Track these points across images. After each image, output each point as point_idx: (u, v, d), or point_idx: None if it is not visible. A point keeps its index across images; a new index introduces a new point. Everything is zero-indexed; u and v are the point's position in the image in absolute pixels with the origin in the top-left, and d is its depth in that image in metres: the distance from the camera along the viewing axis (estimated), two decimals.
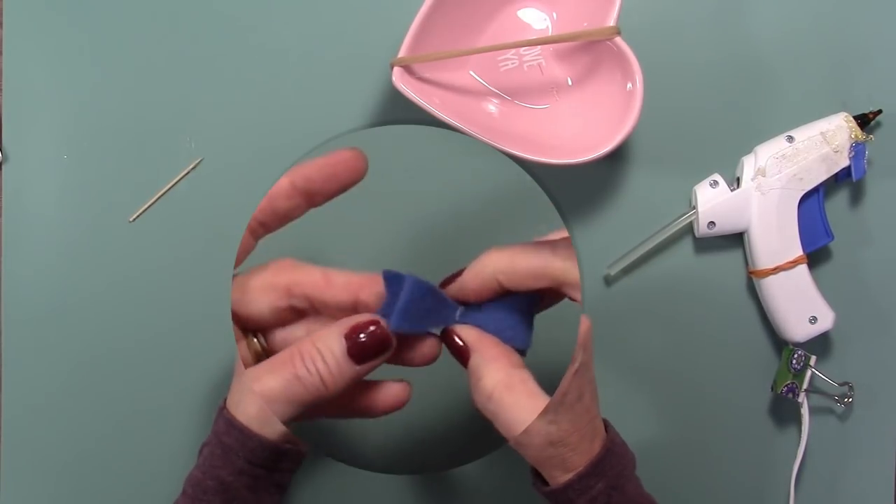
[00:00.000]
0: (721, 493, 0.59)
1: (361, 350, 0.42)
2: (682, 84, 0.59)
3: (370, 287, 0.44)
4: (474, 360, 0.44)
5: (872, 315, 0.59)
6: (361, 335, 0.42)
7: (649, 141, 0.59)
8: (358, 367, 0.42)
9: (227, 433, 0.46)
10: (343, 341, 0.42)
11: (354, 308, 0.44)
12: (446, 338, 0.45)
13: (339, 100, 0.59)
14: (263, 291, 0.44)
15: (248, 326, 0.45)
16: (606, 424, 0.50)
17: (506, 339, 0.48)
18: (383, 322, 0.43)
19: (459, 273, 0.45)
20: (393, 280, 0.45)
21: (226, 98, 0.59)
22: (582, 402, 0.47)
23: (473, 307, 0.46)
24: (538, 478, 0.49)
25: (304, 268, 0.45)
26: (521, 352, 0.46)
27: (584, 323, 0.47)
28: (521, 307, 0.47)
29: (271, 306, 0.44)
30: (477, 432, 0.54)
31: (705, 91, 0.59)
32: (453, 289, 0.45)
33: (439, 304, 0.46)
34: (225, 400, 0.48)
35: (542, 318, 0.48)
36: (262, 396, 0.41)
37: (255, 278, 0.45)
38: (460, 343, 0.45)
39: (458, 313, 0.47)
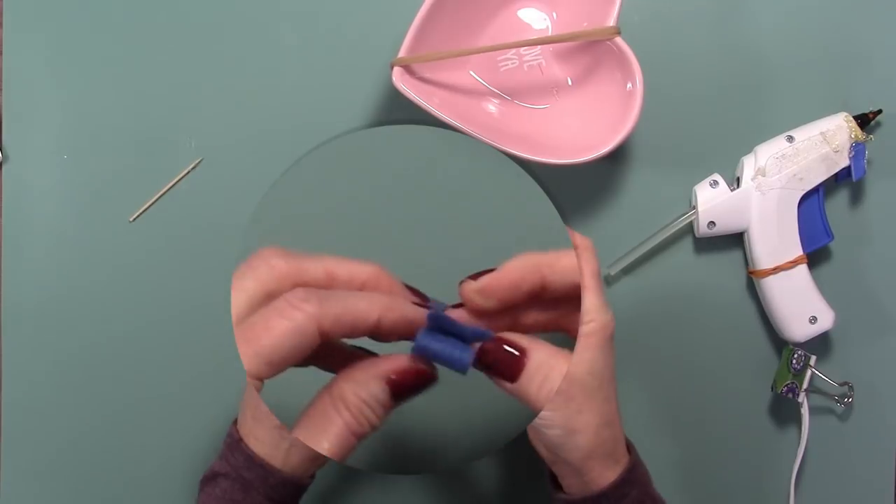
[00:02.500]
0: (721, 493, 0.59)
1: (405, 391, 0.42)
2: (682, 84, 0.59)
3: (375, 278, 0.42)
4: (538, 356, 0.42)
5: (872, 315, 0.59)
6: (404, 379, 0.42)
7: (649, 141, 0.59)
8: (400, 402, 0.42)
9: (247, 468, 0.45)
10: (386, 388, 0.41)
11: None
12: (491, 354, 0.43)
13: (339, 100, 0.59)
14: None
15: None
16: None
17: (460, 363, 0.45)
18: (424, 364, 0.42)
19: (488, 271, 0.43)
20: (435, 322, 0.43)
21: (226, 98, 0.59)
22: (602, 389, 0.45)
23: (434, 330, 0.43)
24: (557, 487, 0.48)
25: (302, 266, 0.43)
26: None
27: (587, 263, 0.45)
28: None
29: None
30: (477, 432, 0.54)
31: (705, 91, 0.59)
32: (474, 289, 0.43)
33: (450, 346, 0.43)
34: (235, 424, 0.47)
35: None
36: (320, 455, 0.40)
37: (255, 289, 0.42)
38: (514, 351, 0.43)
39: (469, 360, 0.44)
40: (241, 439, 0.46)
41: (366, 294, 0.42)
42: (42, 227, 0.59)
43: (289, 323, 0.38)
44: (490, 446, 0.54)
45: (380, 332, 0.41)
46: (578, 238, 0.47)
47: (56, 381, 0.59)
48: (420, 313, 0.42)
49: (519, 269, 0.43)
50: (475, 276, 0.44)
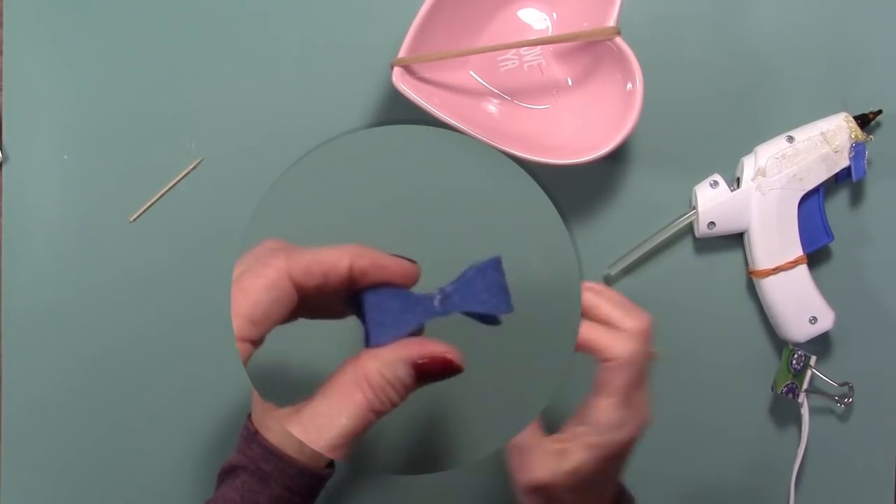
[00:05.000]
0: (721, 493, 0.59)
1: (430, 377, 0.42)
2: (683, 84, 0.59)
3: (340, 259, 0.42)
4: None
5: (872, 315, 0.59)
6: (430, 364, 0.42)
7: (649, 141, 0.59)
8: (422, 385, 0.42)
9: (264, 460, 0.45)
10: (412, 372, 0.41)
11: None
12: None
13: (339, 100, 0.59)
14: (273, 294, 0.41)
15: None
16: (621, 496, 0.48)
17: (491, 308, 0.48)
18: (454, 354, 0.42)
19: None
20: (352, 303, 0.44)
21: (226, 98, 0.59)
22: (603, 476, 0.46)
23: (448, 288, 0.46)
24: None
25: (293, 257, 0.42)
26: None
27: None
28: (491, 272, 0.47)
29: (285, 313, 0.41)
30: (477, 432, 0.54)
31: (705, 91, 0.59)
32: None
33: (408, 301, 0.45)
34: (250, 417, 0.48)
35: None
36: (336, 438, 0.40)
37: (258, 280, 0.41)
38: None
39: (436, 301, 0.46)
40: (256, 431, 0.46)
41: (336, 245, 0.42)
42: (42, 227, 0.59)
43: (262, 280, 0.39)
44: (490, 446, 0.54)
45: (355, 280, 0.41)
46: (638, 320, 0.47)
47: (56, 381, 0.59)
48: (394, 261, 0.42)
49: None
50: None
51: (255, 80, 0.59)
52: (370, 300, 0.44)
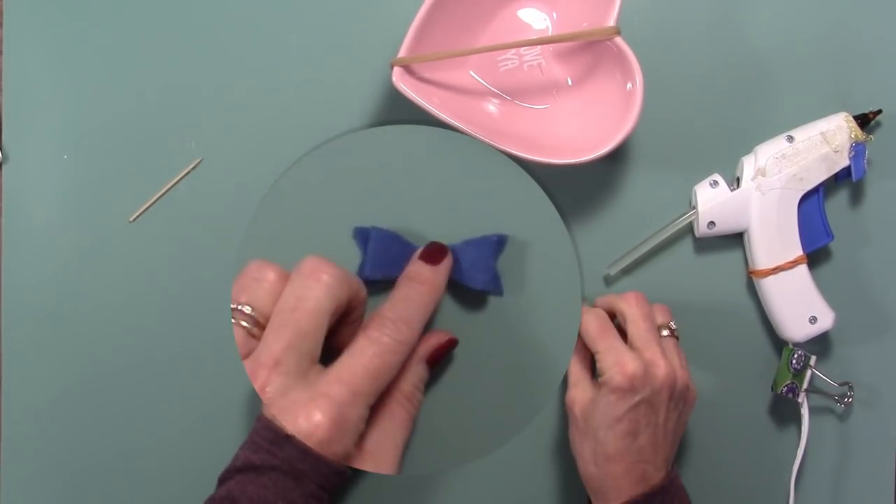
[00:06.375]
0: (721, 493, 0.59)
1: (438, 362, 0.52)
2: (682, 84, 0.59)
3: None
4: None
5: (872, 315, 0.59)
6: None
7: (649, 141, 0.59)
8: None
9: (301, 460, 0.47)
10: (426, 366, 0.50)
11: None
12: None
13: (339, 100, 0.59)
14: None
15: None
16: (670, 482, 0.51)
17: (476, 283, 0.52)
18: (448, 334, 0.52)
19: None
20: (361, 235, 0.52)
21: (226, 98, 0.59)
22: (635, 440, 0.49)
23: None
24: None
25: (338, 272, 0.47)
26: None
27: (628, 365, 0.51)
28: (486, 249, 0.53)
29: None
30: (477, 432, 0.54)
31: (705, 91, 0.59)
32: None
33: (405, 250, 0.51)
34: (266, 418, 0.48)
35: None
36: (398, 457, 0.47)
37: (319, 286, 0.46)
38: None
39: None
40: (287, 435, 0.47)
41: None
42: (42, 227, 0.59)
43: (322, 287, 0.45)
44: (490, 446, 0.54)
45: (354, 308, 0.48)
46: (627, 299, 0.54)
47: (56, 381, 0.59)
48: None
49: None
50: None
51: (254, 79, 0.59)
52: (376, 236, 0.51)
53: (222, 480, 0.49)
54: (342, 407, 0.43)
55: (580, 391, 0.52)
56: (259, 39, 0.59)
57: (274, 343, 0.44)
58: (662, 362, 0.50)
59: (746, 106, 0.59)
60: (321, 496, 0.48)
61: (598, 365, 0.51)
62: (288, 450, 0.47)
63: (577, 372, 0.54)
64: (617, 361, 0.50)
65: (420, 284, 0.48)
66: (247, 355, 0.45)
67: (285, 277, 0.46)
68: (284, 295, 0.45)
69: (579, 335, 0.54)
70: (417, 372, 0.49)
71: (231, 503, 0.47)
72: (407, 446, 0.49)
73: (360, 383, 0.44)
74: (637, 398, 0.49)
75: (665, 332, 0.54)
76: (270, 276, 0.46)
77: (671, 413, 0.51)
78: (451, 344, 0.52)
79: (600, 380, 0.51)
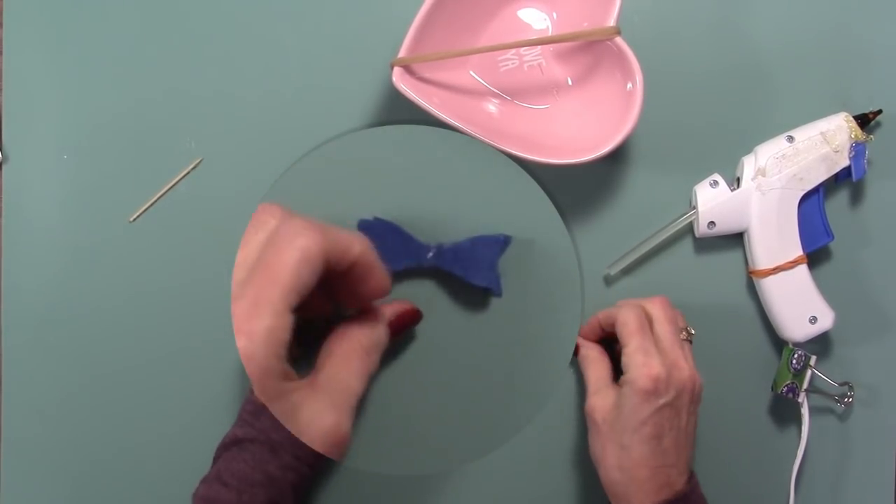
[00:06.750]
0: (721, 493, 0.59)
1: (401, 330, 0.51)
2: (682, 84, 0.59)
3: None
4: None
5: (872, 315, 0.59)
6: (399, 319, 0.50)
7: (649, 141, 0.59)
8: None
9: (275, 430, 0.48)
10: (388, 329, 0.47)
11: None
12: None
13: (339, 100, 0.59)
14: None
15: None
16: (691, 490, 0.51)
17: (475, 279, 0.53)
18: (413, 305, 0.52)
19: None
20: (364, 227, 0.53)
21: (226, 98, 0.59)
22: (660, 443, 0.49)
23: (445, 246, 0.53)
24: None
25: (325, 232, 0.41)
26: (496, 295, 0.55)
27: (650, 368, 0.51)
28: (488, 247, 0.53)
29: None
30: (477, 432, 0.54)
31: (705, 91, 0.59)
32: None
33: (407, 243, 0.53)
34: (252, 393, 0.49)
35: None
36: (356, 400, 0.43)
37: (294, 252, 0.40)
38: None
39: (431, 252, 0.53)
40: (263, 405, 0.46)
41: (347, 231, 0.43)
42: (42, 227, 0.59)
43: (298, 252, 0.39)
44: (490, 446, 0.54)
45: (351, 272, 0.43)
46: (655, 302, 0.54)
47: (56, 381, 0.59)
48: (383, 274, 0.44)
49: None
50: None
51: (254, 79, 0.59)
52: (377, 228, 0.52)
53: (215, 459, 0.51)
54: (252, 307, 0.39)
55: (601, 398, 0.52)
56: (259, 40, 0.59)
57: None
58: (685, 365, 0.51)
59: (746, 106, 0.59)
60: (299, 468, 0.49)
61: (623, 360, 0.51)
62: (264, 421, 0.48)
63: (596, 380, 0.54)
64: (645, 363, 0.50)
65: None
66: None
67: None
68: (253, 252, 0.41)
69: (591, 345, 0.55)
70: (378, 331, 0.46)
71: (214, 482, 0.49)
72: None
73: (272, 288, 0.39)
74: (661, 401, 0.49)
75: (683, 335, 0.54)
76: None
77: (691, 416, 0.51)
78: (416, 315, 0.52)
79: (624, 378, 0.51)
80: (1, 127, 0.59)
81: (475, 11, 0.55)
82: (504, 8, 0.56)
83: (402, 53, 0.52)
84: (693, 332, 0.54)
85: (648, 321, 0.53)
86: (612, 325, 0.53)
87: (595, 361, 0.54)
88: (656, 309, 0.53)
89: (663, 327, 0.52)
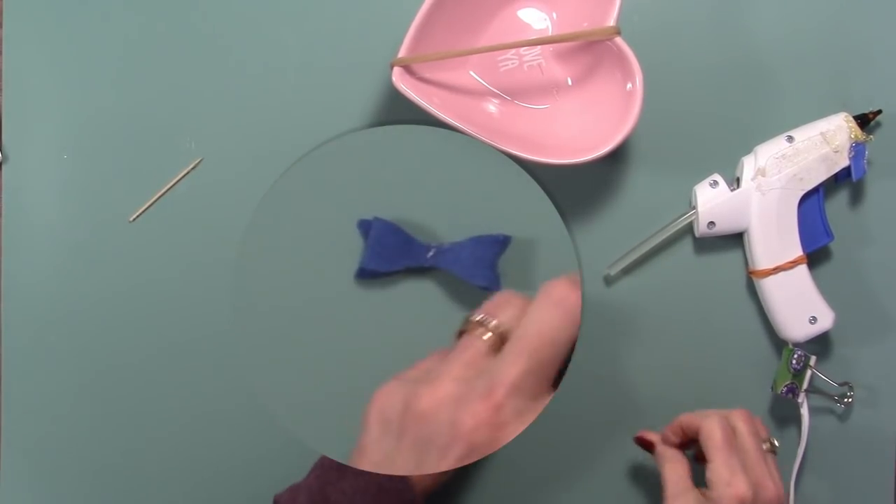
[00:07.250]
0: None
1: None
2: (682, 84, 0.59)
3: None
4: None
5: (872, 315, 0.59)
6: None
7: (649, 141, 0.59)
8: None
9: (389, 479, 0.50)
10: None
11: None
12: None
13: (339, 100, 0.59)
14: None
15: None
16: None
17: (473, 278, 0.53)
18: None
19: None
20: (363, 227, 0.53)
21: (226, 98, 0.59)
22: None
23: (444, 246, 0.53)
24: None
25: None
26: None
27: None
28: (487, 247, 0.53)
29: None
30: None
31: (705, 91, 0.59)
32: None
33: (407, 243, 0.53)
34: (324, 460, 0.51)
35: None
36: None
37: None
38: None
39: (430, 252, 0.53)
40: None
41: None
42: (42, 227, 0.59)
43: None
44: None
45: None
46: (737, 415, 0.53)
47: (56, 381, 0.59)
48: None
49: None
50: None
51: (254, 79, 0.59)
52: (376, 227, 0.52)
53: None
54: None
55: None
56: (259, 39, 0.59)
57: (513, 366, 0.46)
58: (771, 484, 0.50)
59: (746, 106, 0.59)
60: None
61: (707, 475, 0.50)
62: (382, 476, 0.49)
63: (675, 482, 0.51)
64: (731, 481, 0.49)
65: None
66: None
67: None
68: (530, 316, 0.47)
69: (668, 447, 0.54)
70: None
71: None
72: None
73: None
74: None
75: (766, 446, 0.53)
76: (518, 301, 0.49)
77: None
78: None
79: (708, 494, 0.49)
80: (1, 127, 0.59)
81: (475, 11, 0.55)
82: (504, 8, 0.56)
83: (402, 53, 0.52)
84: (777, 443, 0.53)
85: (733, 434, 0.51)
86: (695, 433, 0.52)
87: (673, 461, 0.53)
88: (740, 422, 0.52)
89: (747, 441, 0.51)
